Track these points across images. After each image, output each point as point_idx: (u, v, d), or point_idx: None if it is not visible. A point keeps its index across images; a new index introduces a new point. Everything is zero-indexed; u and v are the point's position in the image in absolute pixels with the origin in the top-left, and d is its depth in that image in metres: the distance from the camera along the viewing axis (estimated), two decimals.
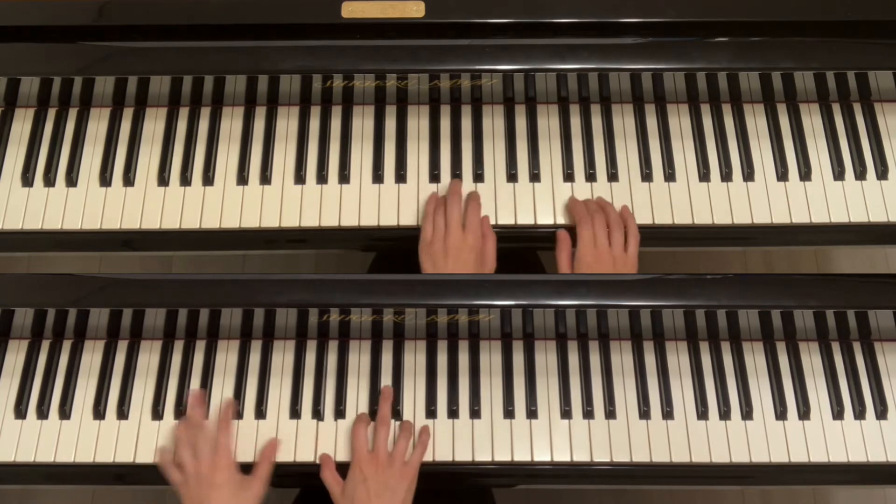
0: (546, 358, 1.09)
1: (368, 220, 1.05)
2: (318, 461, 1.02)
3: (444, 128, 1.10)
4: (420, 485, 1.01)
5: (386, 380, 1.07)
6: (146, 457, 1.03)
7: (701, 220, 1.05)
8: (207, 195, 1.06)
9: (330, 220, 1.05)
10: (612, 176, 1.07)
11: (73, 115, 1.11)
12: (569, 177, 1.07)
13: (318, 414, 1.05)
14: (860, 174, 1.07)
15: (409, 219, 1.05)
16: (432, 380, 1.07)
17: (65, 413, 1.05)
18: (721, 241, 1.08)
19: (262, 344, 1.09)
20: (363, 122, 1.10)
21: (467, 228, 1.01)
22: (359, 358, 1.09)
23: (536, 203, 1.06)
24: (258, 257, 1.78)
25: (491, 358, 1.09)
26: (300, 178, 1.06)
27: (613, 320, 1.06)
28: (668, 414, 1.05)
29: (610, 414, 1.05)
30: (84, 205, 1.06)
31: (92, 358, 1.09)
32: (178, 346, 1.09)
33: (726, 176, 1.07)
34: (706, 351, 1.09)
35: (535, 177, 1.07)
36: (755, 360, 1.09)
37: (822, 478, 1.04)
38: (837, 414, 1.05)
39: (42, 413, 1.05)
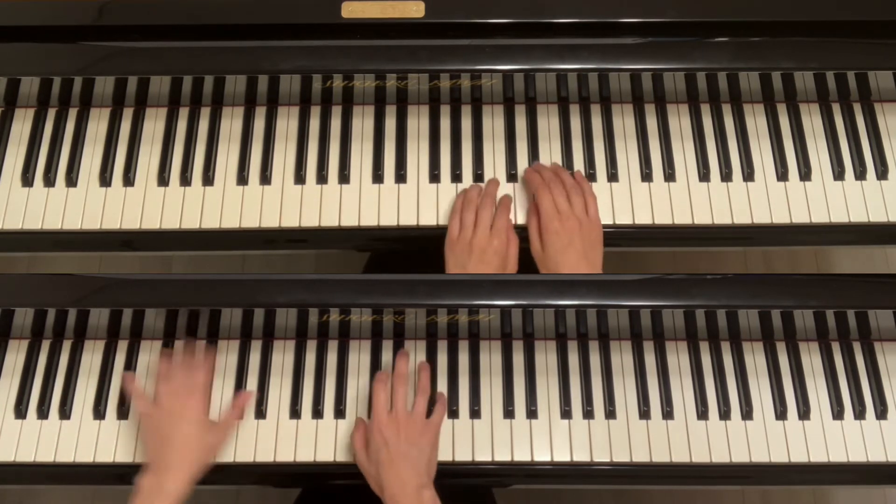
0: (546, 358, 1.09)
1: (368, 220, 1.05)
2: (317, 460, 1.02)
3: (444, 128, 1.10)
4: None
5: None
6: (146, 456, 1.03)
7: (701, 220, 1.05)
8: (207, 195, 1.06)
9: (330, 220, 1.05)
10: (612, 176, 1.07)
11: (73, 115, 1.11)
12: None
13: (318, 414, 1.05)
14: (860, 174, 1.07)
15: (408, 219, 1.05)
16: (432, 380, 1.07)
17: (65, 413, 1.05)
18: (721, 241, 1.08)
19: (262, 344, 1.09)
20: (363, 122, 1.10)
21: (494, 231, 1.00)
22: (359, 358, 1.09)
23: None
24: (258, 257, 1.78)
25: (491, 358, 1.09)
26: (300, 178, 1.06)
27: (613, 320, 1.06)
28: (668, 414, 1.05)
29: (610, 414, 1.05)
30: (84, 205, 1.06)
31: (92, 358, 1.09)
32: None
33: (726, 176, 1.07)
34: (706, 351, 1.09)
35: None
36: (755, 360, 1.09)
37: (822, 478, 1.04)
38: (837, 414, 1.06)
39: (42, 413, 1.05)
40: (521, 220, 1.06)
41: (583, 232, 1.00)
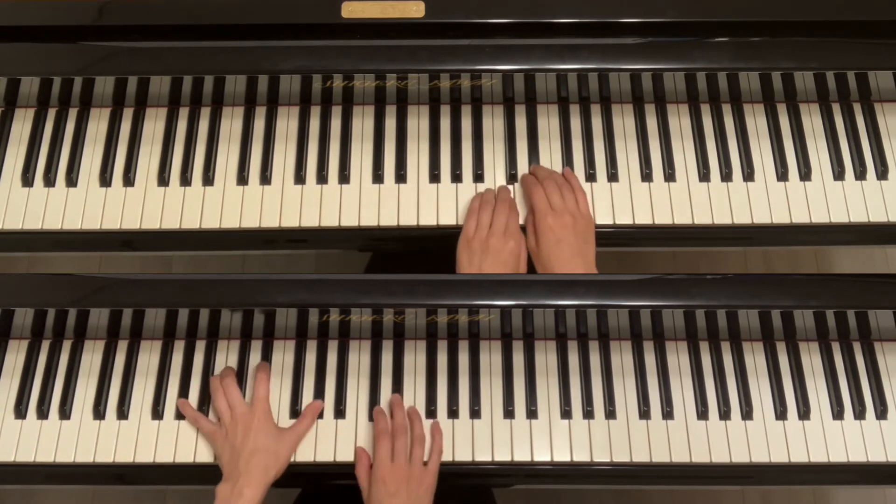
0: (546, 358, 1.09)
1: (368, 220, 1.05)
2: (317, 460, 1.03)
3: (444, 128, 1.10)
4: None
5: (386, 380, 1.07)
6: (146, 456, 1.03)
7: (701, 220, 1.05)
8: (207, 195, 1.06)
9: (330, 220, 1.05)
10: (612, 176, 1.07)
11: (73, 115, 1.11)
12: None
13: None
14: (860, 174, 1.07)
15: (408, 219, 1.05)
16: (432, 380, 1.07)
17: (65, 413, 1.05)
18: (721, 241, 1.08)
19: (262, 344, 1.09)
20: (363, 122, 1.10)
21: (509, 234, 1.01)
22: (359, 358, 1.09)
23: None
24: (258, 257, 1.78)
25: (491, 358, 1.09)
26: (300, 178, 1.06)
27: (613, 320, 1.06)
28: (668, 414, 1.05)
29: (610, 414, 1.05)
30: (84, 205, 1.06)
31: (92, 358, 1.09)
32: (179, 346, 1.10)
33: (726, 176, 1.07)
34: (706, 351, 1.09)
35: None
36: (755, 360, 1.09)
37: (822, 478, 1.04)
38: (837, 414, 1.06)
39: (42, 413, 1.05)
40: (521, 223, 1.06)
41: (576, 227, 1.00)
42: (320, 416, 1.05)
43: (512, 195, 1.06)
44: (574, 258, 0.99)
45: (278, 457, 0.99)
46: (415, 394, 1.07)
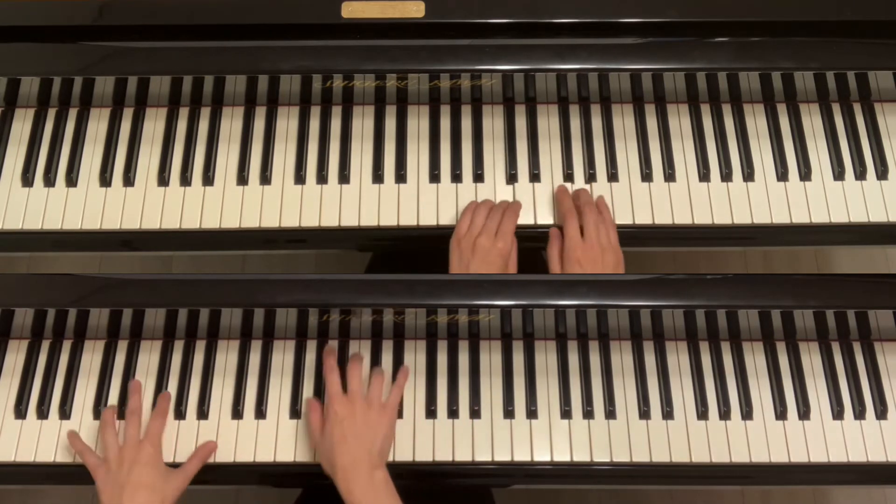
0: (546, 358, 1.09)
1: (368, 221, 1.05)
2: (317, 460, 1.03)
3: (444, 128, 1.10)
4: (419, 484, 1.01)
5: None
6: None
7: (701, 220, 1.05)
8: (207, 195, 1.06)
9: (330, 220, 1.05)
10: (612, 176, 1.07)
11: (73, 115, 1.11)
12: (568, 177, 1.07)
13: None
14: (860, 174, 1.07)
15: (408, 219, 1.05)
16: (432, 380, 1.07)
17: (65, 413, 1.05)
18: (721, 241, 1.08)
19: (262, 344, 1.09)
20: (363, 122, 1.10)
21: (499, 234, 1.01)
22: None
23: (536, 203, 1.06)
24: (258, 257, 1.78)
25: (491, 358, 1.09)
26: (300, 178, 1.06)
27: (613, 320, 1.06)
28: (668, 414, 1.05)
29: (610, 414, 1.05)
30: (84, 205, 1.06)
31: (92, 358, 1.09)
32: (178, 346, 1.09)
33: (726, 176, 1.07)
34: (706, 351, 1.09)
35: (535, 177, 1.07)
36: (755, 360, 1.09)
37: (822, 478, 1.04)
38: (837, 414, 1.06)
39: (42, 413, 1.05)
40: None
41: (604, 259, 1.00)
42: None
43: (511, 197, 1.06)
44: None
45: (164, 498, 0.94)
46: (415, 394, 1.07)
